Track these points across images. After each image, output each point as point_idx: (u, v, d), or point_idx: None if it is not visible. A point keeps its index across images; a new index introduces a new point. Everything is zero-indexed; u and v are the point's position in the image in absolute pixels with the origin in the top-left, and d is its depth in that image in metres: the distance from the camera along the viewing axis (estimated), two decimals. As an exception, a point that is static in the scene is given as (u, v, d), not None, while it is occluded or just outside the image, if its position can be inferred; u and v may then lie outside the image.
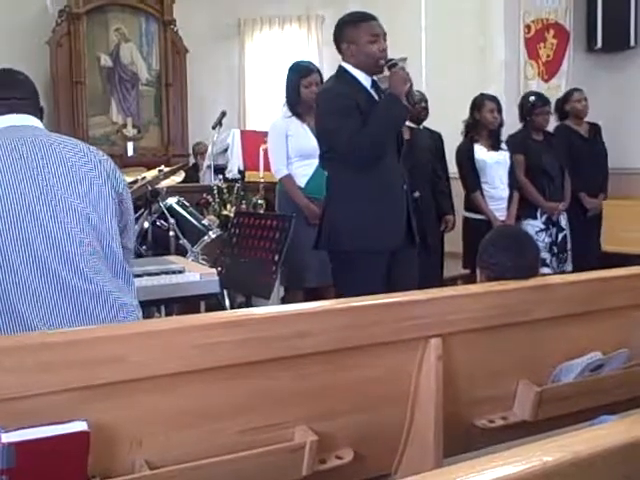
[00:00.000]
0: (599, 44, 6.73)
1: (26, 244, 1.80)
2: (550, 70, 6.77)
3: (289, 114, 4.33)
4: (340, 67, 3.35)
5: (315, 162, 3.83)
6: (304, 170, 4.27)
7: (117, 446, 1.40)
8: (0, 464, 1.24)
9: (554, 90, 5.98)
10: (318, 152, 3.51)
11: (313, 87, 4.22)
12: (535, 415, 1.90)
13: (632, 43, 6.33)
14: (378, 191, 3.24)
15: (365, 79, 3.30)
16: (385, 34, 3.27)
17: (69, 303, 1.81)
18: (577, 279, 2.11)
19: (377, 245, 3.22)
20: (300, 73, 4.30)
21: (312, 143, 3.93)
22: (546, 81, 6.70)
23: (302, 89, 4.25)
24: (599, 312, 2.03)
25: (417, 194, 4.45)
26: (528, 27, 6.65)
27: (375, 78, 3.36)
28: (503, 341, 1.88)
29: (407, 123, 4.04)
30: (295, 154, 4.28)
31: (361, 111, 3.19)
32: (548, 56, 6.78)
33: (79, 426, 1.30)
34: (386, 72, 3.32)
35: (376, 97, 3.32)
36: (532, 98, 5.05)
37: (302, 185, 4.29)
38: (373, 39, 3.22)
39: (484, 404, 1.89)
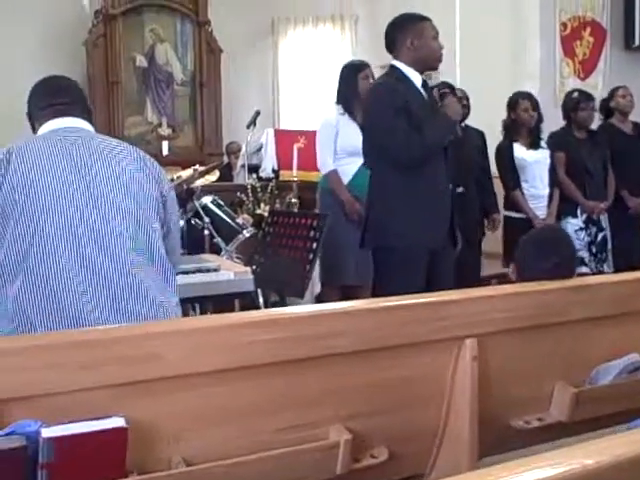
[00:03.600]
0: (637, 42, 6.64)
1: (73, 242, 1.84)
2: (586, 68, 6.69)
3: (342, 111, 4.39)
4: (392, 66, 3.39)
5: (360, 160, 3.83)
6: (349, 168, 4.31)
7: (154, 442, 1.42)
8: (40, 458, 1.26)
9: (591, 88, 5.89)
10: None
11: (370, 79, 4.30)
12: (571, 417, 1.88)
13: (671, 41, 6.25)
14: (424, 190, 3.27)
15: (416, 78, 3.35)
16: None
17: (113, 300, 1.84)
18: (614, 279, 2.08)
19: (422, 242, 3.26)
20: (356, 68, 4.41)
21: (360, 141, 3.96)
22: (582, 79, 6.62)
23: (360, 82, 4.32)
24: (637, 313, 2.00)
25: (460, 189, 4.44)
26: (564, 25, 6.58)
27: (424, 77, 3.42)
28: (539, 342, 1.86)
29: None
30: (342, 150, 4.32)
31: (412, 110, 3.23)
32: (584, 54, 6.70)
33: (117, 422, 1.31)
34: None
35: (425, 96, 3.37)
36: (575, 94, 5.01)
37: (346, 182, 4.33)
38: (435, 36, 3.34)
39: (520, 405, 1.87)
